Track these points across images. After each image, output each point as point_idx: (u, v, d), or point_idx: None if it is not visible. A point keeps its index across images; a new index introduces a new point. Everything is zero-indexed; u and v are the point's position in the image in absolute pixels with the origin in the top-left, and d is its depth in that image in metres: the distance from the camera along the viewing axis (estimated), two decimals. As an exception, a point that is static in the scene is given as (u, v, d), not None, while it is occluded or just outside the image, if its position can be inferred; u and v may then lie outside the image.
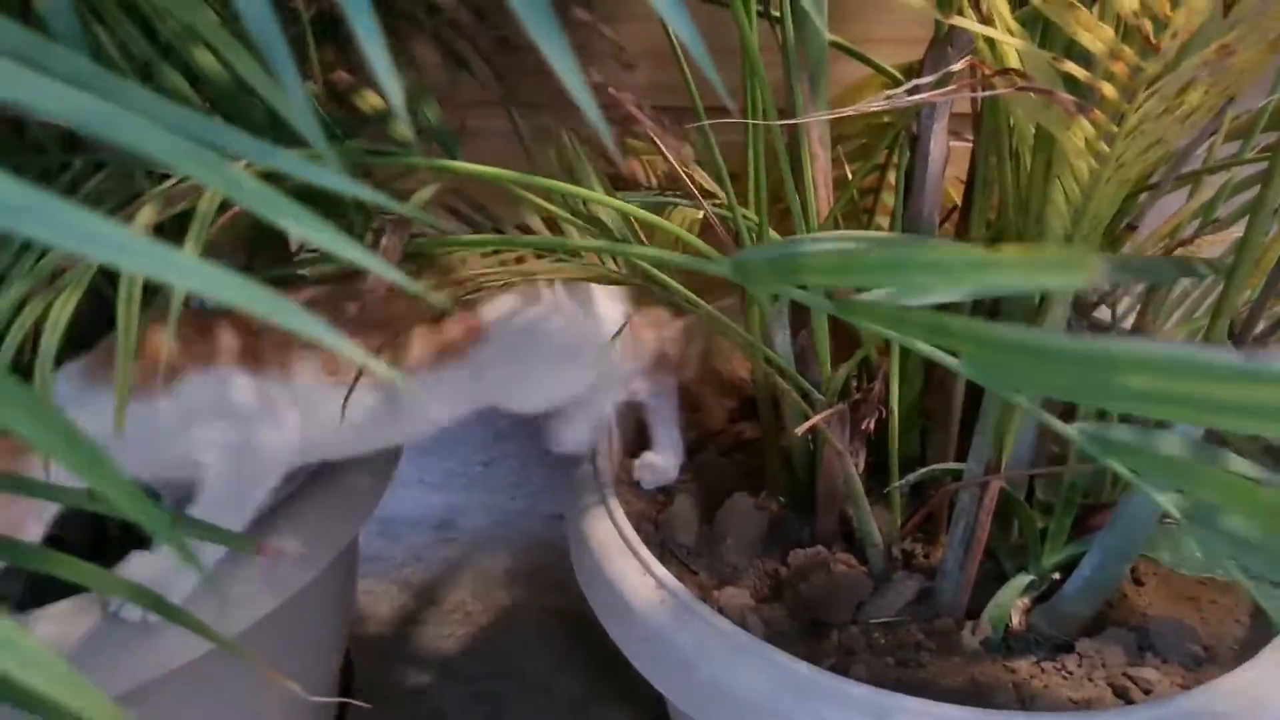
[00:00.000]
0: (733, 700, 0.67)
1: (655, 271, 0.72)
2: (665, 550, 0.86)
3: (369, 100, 0.70)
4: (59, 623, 0.69)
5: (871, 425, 0.79)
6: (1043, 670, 0.74)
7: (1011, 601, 0.76)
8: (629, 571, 0.75)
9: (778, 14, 0.67)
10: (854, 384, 0.81)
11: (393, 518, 1.48)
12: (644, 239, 0.78)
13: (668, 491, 0.92)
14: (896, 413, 0.80)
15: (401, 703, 1.17)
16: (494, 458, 1.58)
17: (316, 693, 1.00)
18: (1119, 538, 0.72)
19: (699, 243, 0.70)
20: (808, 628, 0.79)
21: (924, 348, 0.38)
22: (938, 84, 0.55)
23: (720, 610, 0.74)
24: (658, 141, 0.72)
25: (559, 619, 1.30)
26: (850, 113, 0.56)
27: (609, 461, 0.88)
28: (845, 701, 0.64)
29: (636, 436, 0.95)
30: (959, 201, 0.81)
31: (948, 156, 0.73)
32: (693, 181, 0.73)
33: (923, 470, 0.78)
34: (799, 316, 0.78)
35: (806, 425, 0.71)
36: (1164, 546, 0.75)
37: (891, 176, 0.91)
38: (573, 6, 0.73)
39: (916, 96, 0.52)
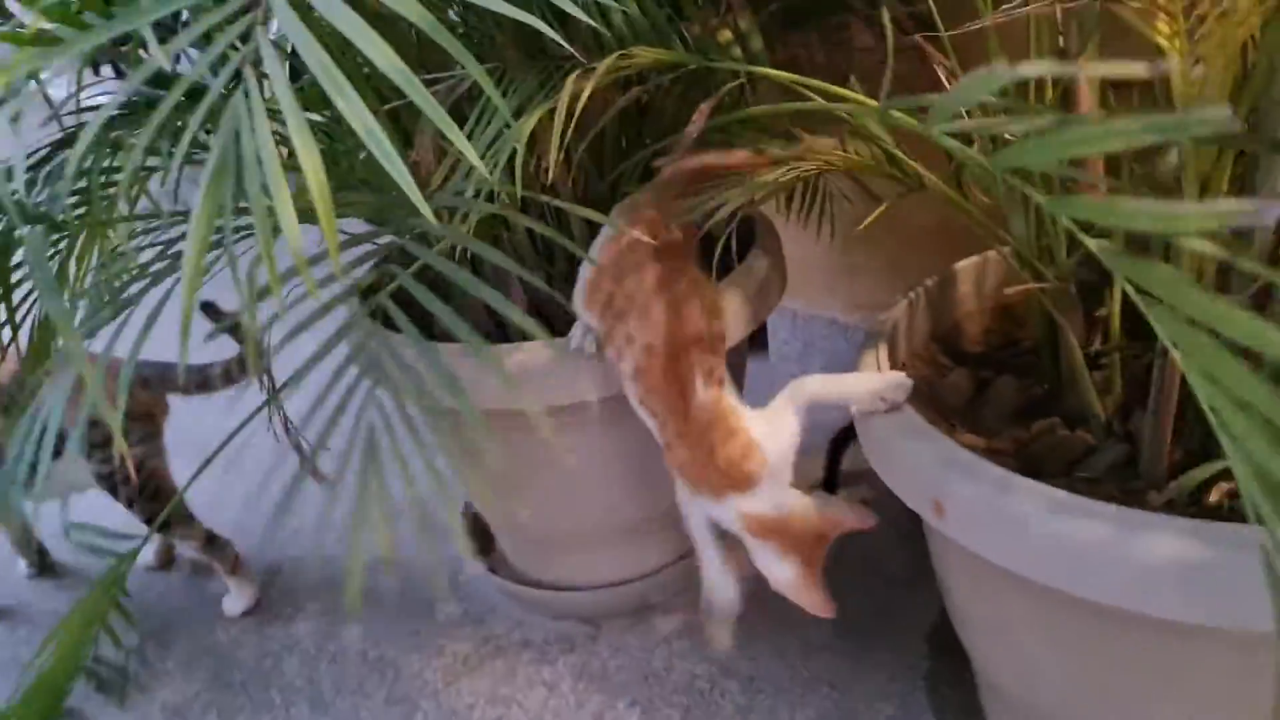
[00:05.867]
0: (909, 469, 0.92)
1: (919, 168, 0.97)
2: (935, 410, 1.07)
3: (724, 35, 1.06)
4: (529, 354, 1.15)
5: (1105, 314, 0.94)
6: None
7: (1203, 476, 0.86)
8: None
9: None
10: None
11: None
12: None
13: (951, 367, 1.13)
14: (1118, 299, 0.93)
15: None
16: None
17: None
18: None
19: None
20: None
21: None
22: None
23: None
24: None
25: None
26: None
27: (906, 340, 1.13)
28: (980, 475, 0.84)
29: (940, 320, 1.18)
30: None
31: None
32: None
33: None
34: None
35: (1018, 289, 0.90)
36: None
37: None
38: None
39: None
